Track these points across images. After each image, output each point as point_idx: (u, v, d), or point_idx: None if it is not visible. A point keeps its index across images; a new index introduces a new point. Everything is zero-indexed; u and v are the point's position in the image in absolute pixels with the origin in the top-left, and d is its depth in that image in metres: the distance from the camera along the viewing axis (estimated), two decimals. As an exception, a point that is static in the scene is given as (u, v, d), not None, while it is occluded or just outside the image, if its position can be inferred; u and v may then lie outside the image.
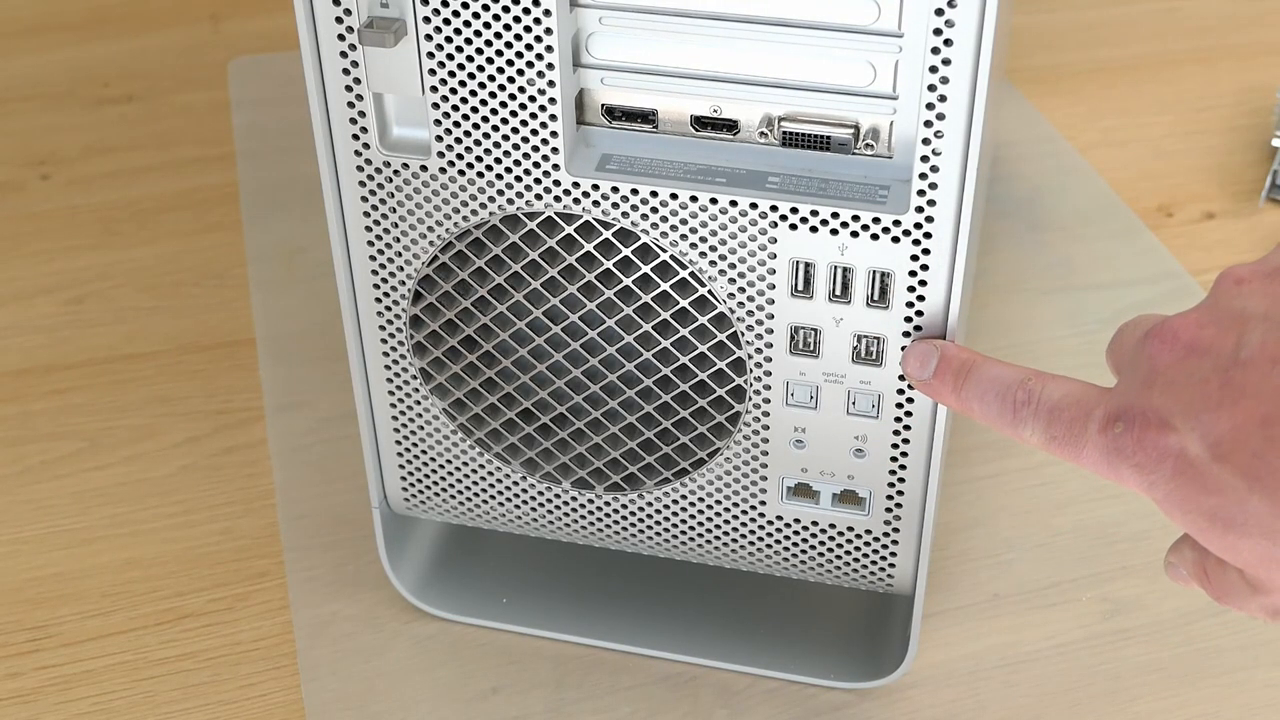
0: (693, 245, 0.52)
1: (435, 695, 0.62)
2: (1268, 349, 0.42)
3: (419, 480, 0.61)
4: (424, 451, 0.60)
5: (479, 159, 0.51)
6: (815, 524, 0.58)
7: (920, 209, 0.49)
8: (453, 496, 0.61)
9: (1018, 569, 0.68)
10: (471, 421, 0.58)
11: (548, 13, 0.48)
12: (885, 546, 0.57)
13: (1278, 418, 0.41)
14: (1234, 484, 0.42)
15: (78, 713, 0.62)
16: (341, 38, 0.50)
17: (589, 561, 0.66)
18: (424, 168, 0.52)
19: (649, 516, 0.59)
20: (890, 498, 0.56)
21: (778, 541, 0.59)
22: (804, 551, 0.59)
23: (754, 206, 0.50)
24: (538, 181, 0.51)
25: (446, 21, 0.49)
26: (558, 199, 0.52)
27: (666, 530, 0.59)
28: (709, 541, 0.59)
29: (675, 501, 0.58)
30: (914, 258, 0.50)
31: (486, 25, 0.48)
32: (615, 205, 0.51)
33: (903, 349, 0.52)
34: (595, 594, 0.65)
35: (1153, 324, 0.46)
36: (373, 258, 0.55)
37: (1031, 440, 0.47)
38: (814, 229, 0.50)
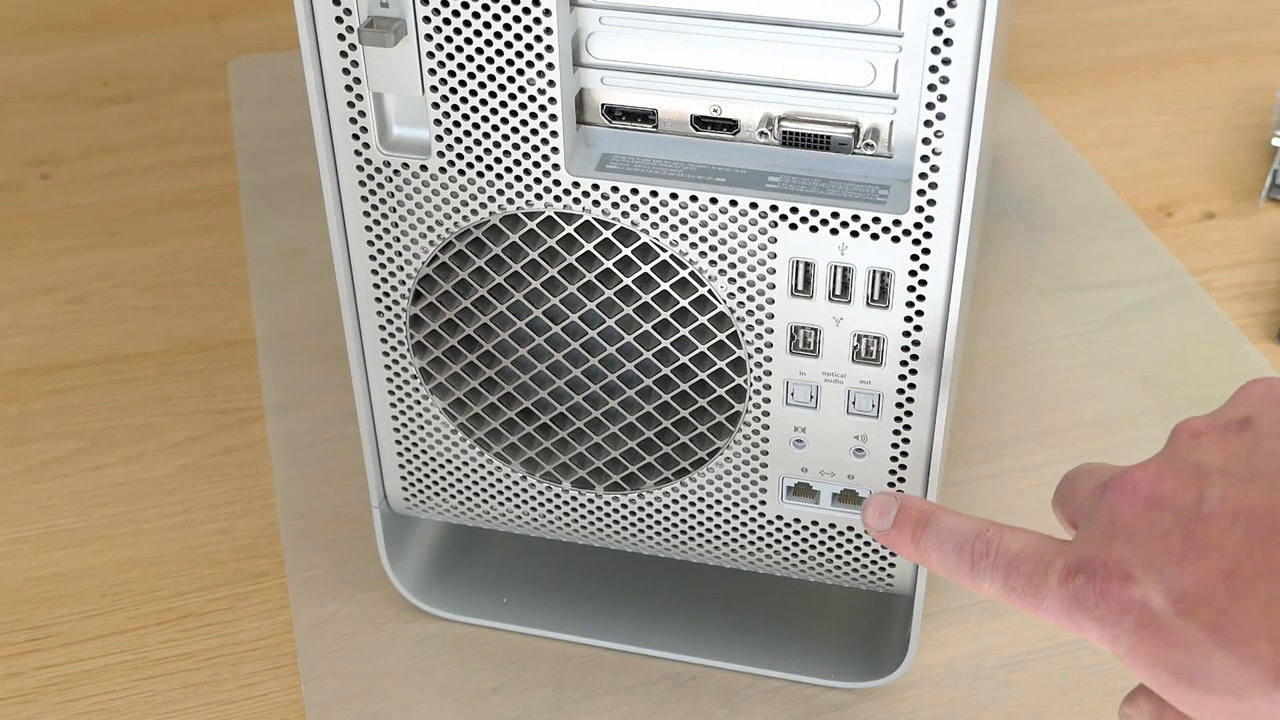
0: (693, 245, 0.52)
1: (435, 695, 0.62)
2: (1228, 504, 0.42)
3: (419, 480, 0.61)
4: (424, 451, 0.60)
5: (479, 159, 0.51)
6: (815, 524, 0.58)
7: (920, 209, 0.49)
8: (453, 496, 0.61)
9: (1018, 569, 0.68)
10: (471, 421, 0.58)
11: (548, 12, 0.48)
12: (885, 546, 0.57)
13: (1241, 573, 0.41)
14: (1198, 639, 0.42)
15: (77, 713, 0.62)
16: (341, 37, 0.50)
17: (589, 561, 0.66)
18: (424, 167, 0.52)
19: (649, 516, 0.59)
20: (890, 497, 0.56)
21: (778, 541, 0.59)
22: (804, 551, 0.59)
23: (754, 206, 0.50)
24: (538, 181, 0.51)
25: (446, 21, 0.49)
26: (558, 199, 0.52)
27: (666, 530, 0.59)
28: (709, 541, 0.59)
29: (675, 501, 0.58)
30: (914, 257, 0.50)
31: (486, 25, 0.48)
32: (615, 205, 0.51)
33: (902, 354, 0.52)
34: (595, 594, 0.65)
35: (1109, 475, 0.45)
36: (373, 257, 0.55)
37: (990, 591, 0.46)
38: (814, 229, 0.50)
